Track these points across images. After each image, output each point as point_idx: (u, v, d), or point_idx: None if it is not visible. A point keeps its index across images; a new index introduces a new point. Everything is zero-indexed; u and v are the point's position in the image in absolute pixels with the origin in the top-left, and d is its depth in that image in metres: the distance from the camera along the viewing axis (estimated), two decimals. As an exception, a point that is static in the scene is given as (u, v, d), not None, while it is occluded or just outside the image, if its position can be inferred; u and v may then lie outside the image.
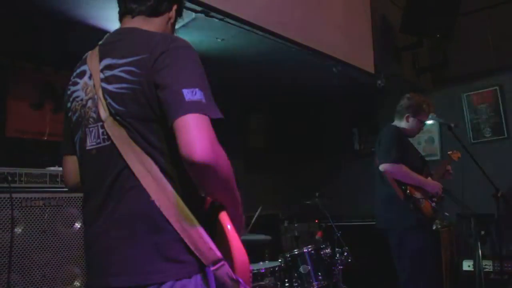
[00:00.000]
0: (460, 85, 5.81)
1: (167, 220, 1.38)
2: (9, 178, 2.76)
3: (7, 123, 3.74)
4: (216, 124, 1.36)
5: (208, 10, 3.06)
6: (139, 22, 1.62)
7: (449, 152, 4.08)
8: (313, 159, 6.71)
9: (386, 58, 5.22)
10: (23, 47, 3.65)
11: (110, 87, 1.46)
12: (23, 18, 3.19)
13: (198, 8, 3.04)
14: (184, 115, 1.31)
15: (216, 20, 3.18)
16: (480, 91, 5.66)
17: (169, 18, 1.70)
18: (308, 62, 4.44)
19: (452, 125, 3.94)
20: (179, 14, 1.76)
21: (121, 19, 1.68)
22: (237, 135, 5.73)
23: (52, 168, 3.09)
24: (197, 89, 1.35)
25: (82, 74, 1.60)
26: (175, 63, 1.39)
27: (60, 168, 3.07)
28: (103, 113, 1.46)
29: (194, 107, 1.32)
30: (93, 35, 3.26)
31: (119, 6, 1.68)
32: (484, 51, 5.63)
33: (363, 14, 4.88)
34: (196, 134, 1.29)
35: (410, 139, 3.94)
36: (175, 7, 1.71)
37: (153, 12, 1.64)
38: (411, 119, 3.85)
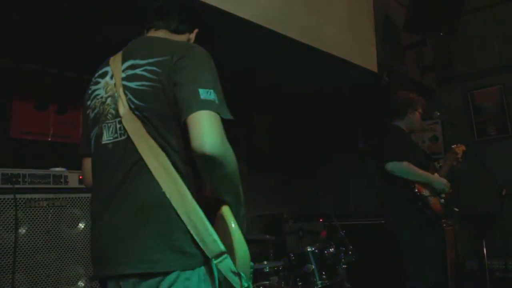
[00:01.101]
0: (465, 84, 5.80)
1: (176, 212, 1.44)
2: (13, 179, 2.78)
3: (11, 124, 3.77)
4: (223, 124, 1.46)
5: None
6: (162, 34, 1.76)
7: (453, 146, 4.04)
8: (317, 158, 6.70)
9: (390, 57, 5.20)
10: (28, 48, 3.67)
11: (131, 84, 1.55)
12: (28, 20, 3.21)
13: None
14: (198, 110, 1.41)
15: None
16: (484, 89, 5.64)
17: (189, 40, 1.83)
18: (311, 61, 4.43)
19: (455, 122, 3.93)
20: (201, 38, 1.87)
21: (146, 31, 1.82)
22: (242, 135, 5.74)
23: (56, 169, 3.12)
24: (212, 90, 1.47)
25: (104, 75, 1.69)
26: (193, 66, 1.51)
27: (64, 169, 3.13)
28: (122, 108, 1.55)
29: (208, 105, 1.43)
30: (99, 38, 3.31)
31: (146, 22, 1.82)
32: (488, 49, 5.62)
33: (366, 13, 4.87)
34: (207, 128, 1.40)
35: (414, 139, 3.93)
36: (196, 30, 1.85)
37: (175, 30, 1.79)
38: (411, 114, 3.83)
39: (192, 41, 1.83)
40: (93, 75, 1.77)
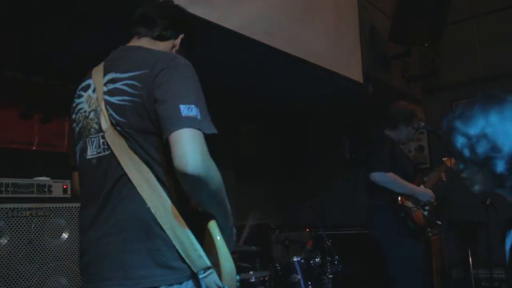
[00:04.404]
0: (450, 93, 5.85)
1: (161, 227, 1.43)
2: (-5, 188, 2.75)
3: (-5, 133, 3.73)
4: (208, 136, 1.43)
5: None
6: (144, 42, 1.72)
7: (444, 159, 4.04)
8: (304, 168, 6.71)
9: (375, 67, 5.24)
10: (12, 57, 3.65)
11: (112, 99, 1.53)
12: (12, 28, 3.19)
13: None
14: (179, 129, 1.37)
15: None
16: (469, 99, 5.68)
17: (174, 46, 1.79)
18: (297, 72, 4.45)
19: (440, 132, 3.93)
20: (187, 45, 1.83)
21: (130, 39, 1.78)
22: (228, 145, 5.73)
23: (40, 178, 3.09)
24: (193, 105, 1.42)
25: (86, 88, 1.67)
26: (174, 80, 1.47)
27: (48, 178, 3.10)
28: (104, 123, 1.54)
29: (189, 122, 1.39)
30: (85, 46, 3.29)
31: (131, 29, 1.78)
32: (472, 59, 5.69)
33: (351, 23, 4.91)
34: (189, 148, 1.36)
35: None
36: (181, 36, 1.80)
37: (158, 37, 1.75)
38: (404, 127, 3.83)
39: (177, 47, 1.79)
40: (78, 84, 1.75)
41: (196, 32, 1.89)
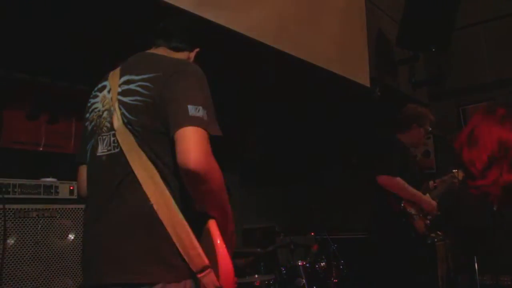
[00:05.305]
0: (457, 99, 5.84)
1: (163, 224, 1.46)
2: (3, 189, 2.75)
3: (2, 133, 3.73)
4: (214, 138, 1.49)
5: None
6: (160, 51, 1.82)
7: (454, 170, 3.99)
8: (310, 171, 6.69)
9: (382, 71, 5.24)
10: (20, 58, 3.65)
11: (125, 99, 1.61)
12: (20, 29, 3.20)
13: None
14: (185, 126, 1.45)
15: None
16: (476, 104, 5.68)
17: (188, 58, 1.87)
18: (304, 75, 4.44)
19: (447, 137, 3.93)
20: (201, 61, 1.88)
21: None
22: (233, 148, 5.71)
23: (46, 179, 3.09)
24: (201, 107, 1.50)
25: (102, 89, 1.76)
26: (184, 82, 1.55)
27: (55, 179, 3.10)
28: (116, 122, 1.60)
29: (195, 121, 1.46)
30: (91, 47, 3.30)
31: (149, 42, 1.88)
32: (480, 64, 5.68)
33: (359, 27, 4.91)
34: (193, 145, 1.43)
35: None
36: (197, 50, 1.89)
37: (174, 48, 1.84)
38: (417, 130, 3.80)
39: (191, 59, 1.86)
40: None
41: (212, 51, 1.98)
